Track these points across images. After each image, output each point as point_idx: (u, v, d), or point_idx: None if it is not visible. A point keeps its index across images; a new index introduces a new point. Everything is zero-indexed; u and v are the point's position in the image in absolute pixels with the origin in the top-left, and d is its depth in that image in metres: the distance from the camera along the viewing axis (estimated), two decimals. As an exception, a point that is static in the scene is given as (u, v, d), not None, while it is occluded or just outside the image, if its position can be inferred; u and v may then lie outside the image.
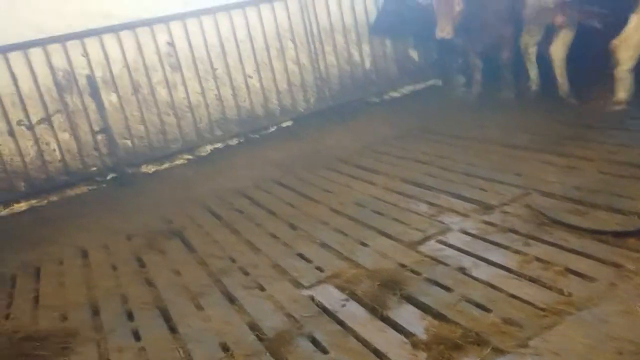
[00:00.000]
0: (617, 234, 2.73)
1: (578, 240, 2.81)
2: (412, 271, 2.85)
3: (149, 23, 5.51)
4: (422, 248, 3.09)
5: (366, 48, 6.68)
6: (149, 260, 3.71)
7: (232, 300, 2.97)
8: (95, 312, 3.16)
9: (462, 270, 2.78)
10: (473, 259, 2.86)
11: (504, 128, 4.91)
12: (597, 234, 2.80)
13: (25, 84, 5.16)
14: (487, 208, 3.43)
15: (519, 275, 2.64)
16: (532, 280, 2.58)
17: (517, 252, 2.84)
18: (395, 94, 6.90)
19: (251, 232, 3.81)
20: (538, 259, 2.72)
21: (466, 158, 4.39)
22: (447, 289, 2.64)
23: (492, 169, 4.04)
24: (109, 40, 5.39)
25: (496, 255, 2.84)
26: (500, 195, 3.57)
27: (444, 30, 5.19)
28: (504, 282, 2.61)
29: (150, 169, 5.76)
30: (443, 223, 3.35)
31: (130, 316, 3.03)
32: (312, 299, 2.81)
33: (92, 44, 5.33)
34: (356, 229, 3.51)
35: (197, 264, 3.51)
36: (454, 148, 4.70)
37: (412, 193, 3.94)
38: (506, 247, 2.91)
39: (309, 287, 2.93)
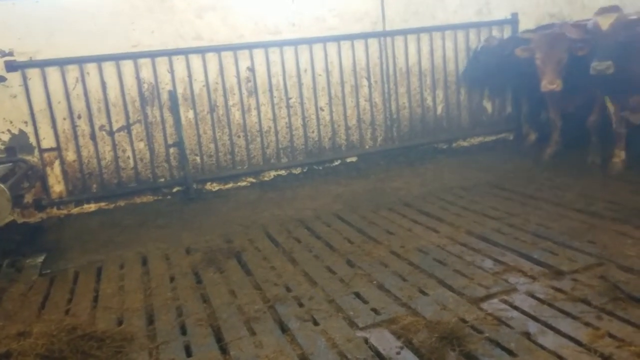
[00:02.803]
0: None
1: (657, 322, 2.63)
2: (474, 328, 2.74)
3: (233, 48, 5.74)
4: (485, 305, 2.97)
5: (440, 94, 6.67)
6: (206, 277, 3.76)
7: (284, 329, 2.95)
8: (151, 320, 3.22)
9: (527, 335, 2.65)
10: (539, 325, 2.72)
11: (580, 193, 4.73)
12: (679, 318, 2.61)
13: (113, 93, 5.46)
14: (557, 273, 3.27)
15: (589, 349, 2.48)
16: (604, 357, 2.42)
17: (587, 324, 2.68)
18: (464, 144, 6.83)
19: (308, 264, 3.80)
20: (611, 335, 2.56)
21: (537, 219, 4.23)
22: (511, 352, 2.52)
23: (565, 233, 3.87)
24: (195, 60, 5.65)
25: (565, 325, 2.69)
26: (572, 261, 3.40)
27: (554, 83, 5.10)
28: (572, 354, 2.46)
29: (215, 187, 5.91)
30: (508, 282, 3.22)
31: (183, 330, 3.06)
32: (366, 341, 2.74)
33: (178, 62, 5.59)
34: (417, 276, 3.43)
35: (252, 287, 3.52)
36: (525, 207, 4.56)
37: (478, 247, 3.82)
38: (576, 318, 2.75)
39: (364, 329, 2.87)
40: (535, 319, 2.78)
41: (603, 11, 4.70)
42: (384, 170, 6.15)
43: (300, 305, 3.21)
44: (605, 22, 4.61)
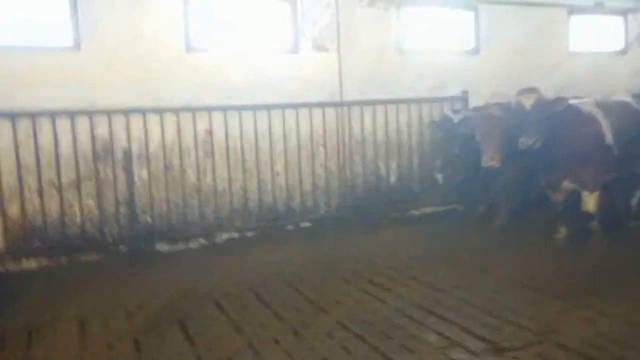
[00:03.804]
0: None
1: (591, 404, 2.68)
2: (414, 408, 2.72)
3: (192, 109, 5.80)
4: (427, 382, 2.96)
5: (393, 163, 6.87)
6: (145, 344, 3.61)
7: (222, 405, 2.85)
8: (81, 393, 3.05)
9: (465, 416, 2.64)
10: (479, 405, 2.72)
11: (525, 267, 4.86)
12: (611, 401, 2.67)
13: (65, 148, 5.37)
14: (498, 350, 3.31)
15: None
16: None
17: (525, 405, 2.70)
18: (416, 213, 6.99)
19: (254, 333, 3.72)
20: (547, 418, 2.58)
21: (484, 292, 4.31)
22: None
23: (508, 308, 3.94)
24: (152, 118, 5.67)
25: (504, 406, 2.71)
26: (512, 338, 3.46)
27: (494, 159, 5.34)
28: None
29: (164, 247, 5.79)
30: (451, 358, 3.23)
31: (115, 405, 2.90)
32: (306, 419, 2.67)
33: (135, 120, 5.60)
34: (361, 349, 3.40)
35: (194, 357, 3.40)
36: (472, 280, 4.64)
37: (423, 320, 3.84)
38: (515, 397, 2.78)
39: (304, 406, 2.80)
40: (475, 397, 2.79)
41: (524, 92, 5.05)
42: (337, 236, 6.18)
43: (241, 378, 3.11)
44: (527, 102, 4.94)
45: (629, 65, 8.60)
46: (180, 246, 5.86)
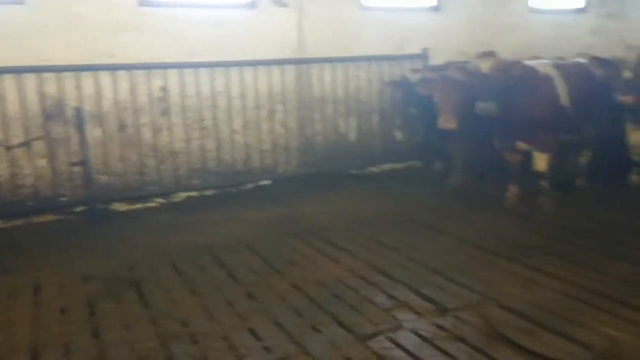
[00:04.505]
0: (559, 363, 2.80)
1: (522, 362, 2.87)
2: (358, 368, 2.87)
3: (147, 67, 5.64)
4: (372, 343, 3.11)
5: (353, 122, 6.89)
6: (100, 309, 3.65)
7: (175, 369, 2.94)
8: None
9: (406, 375, 2.81)
10: (418, 364, 2.89)
11: (476, 226, 5.03)
12: (540, 358, 2.87)
13: (13, 107, 5.19)
14: (442, 310, 3.49)
15: (460, 389, 2.68)
16: (472, 397, 2.62)
17: (461, 364, 2.88)
18: (375, 170, 7.09)
19: (209, 296, 3.80)
20: (480, 376, 2.77)
21: (434, 252, 4.47)
22: (389, 393, 2.66)
23: (457, 268, 4.11)
24: (104, 77, 5.49)
25: (441, 364, 2.88)
26: (457, 298, 3.64)
27: (450, 121, 5.39)
28: (444, 394, 2.64)
29: (122, 207, 5.76)
30: (396, 319, 3.38)
31: (68, 371, 2.96)
32: (255, 381, 2.79)
33: (86, 78, 5.42)
34: (313, 311, 3.53)
35: (148, 322, 3.46)
36: (424, 239, 4.79)
37: (375, 280, 3.99)
38: (452, 357, 2.95)
39: (254, 369, 2.92)
40: (415, 357, 2.95)
41: (481, 55, 5.07)
42: (297, 195, 6.25)
43: (195, 342, 3.20)
44: (485, 66, 4.98)
45: (588, 24, 8.70)
46: (138, 206, 5.83)
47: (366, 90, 6.87)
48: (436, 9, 7.30)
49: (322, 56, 6.49)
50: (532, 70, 5.37)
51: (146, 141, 5.80)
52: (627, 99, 5.00)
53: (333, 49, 6.54)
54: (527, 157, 5.54)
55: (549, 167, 5.50)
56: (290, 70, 6.39)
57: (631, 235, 4.68)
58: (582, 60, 6.06)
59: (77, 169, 5.50)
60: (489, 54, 5.08)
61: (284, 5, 6.25)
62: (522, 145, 5.45)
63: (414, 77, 6.25)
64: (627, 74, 5.03)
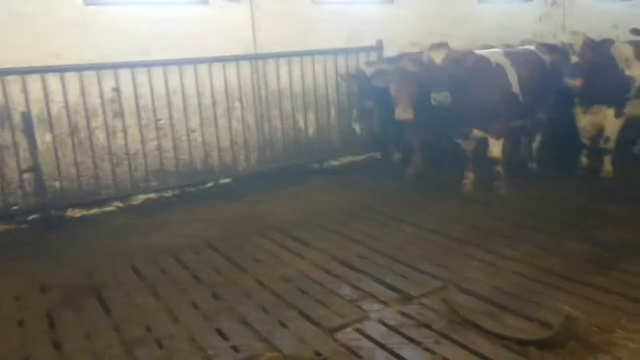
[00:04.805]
0: (519, 342, 2.90)
1: (485, 343, 2.95)
2: (327, 361, 2.89)
3: (96, 67, 5.47)
4: (340, 336, 3.14)
5: (311, 116, 6.90)
6: (60, 319, 3.54)
7: (141, 376, 2.89)
8: (-9, 375, 2.98)
9: (374, 365, 2.85)
10: (386, 353, 2.93)
11: (436, 214, 5.13)
12: (503, 340, 2.96)
13: (-46, 114, 4.96)
14: (406, 298, 3.54)
15: (427, 374, 2.73)
16: (439, 382, 2.68)
17: (427, 349, 2.94)
18: (335, 163, 7.12)
19: (173, 298, 3.74)
20: (446, 360, 2.83)
21: (396, 242, 4.53)
22: (358, 384, 2.69)
23: (419, 256, 4.19)
24: (53, 79, 5.30)
25: (408, 352, 2.93)
26: (420, 285, 3.70)
27: (406, 112, 5.45)
28: (413, 381, 2.69)
29: (77, 213, 5.59)
30: (363, 310, 3.42)
31: (29, 384, 2.87)
32: (225, 381, 2.77)
33: (33, 81, 5.22)
34: (279, 307, 3.52)
35: (111, 329, 3.38)
36: (386, 229, 4.85)
37: (339, 272, 4.01)
38: (418, 343, 3.01)
39: (223, 369, 2.89)
40: (383, 347, 2.99)
41: (434, 47, 5.17)
42: (258, 192, 6.21)
43: (160, 346, 3.15)
44: (438, 57, 5.07)
45: (534, 11, 8.96)
46: (95, 211, 5.67)
47: (323, 84, 6.87)
48: (389, 0, 7.36)
49: (278, 51, 6.45)
50: (485, 60, 5.50)
51: (100, 144, 5.63)
52: (575, 82, 5.18)
53: (288, 44, 6.51)
54: (482, 144, 5.67)
55: (503, 153, 5.66)
56: (246, 66, 6.32)
57: (582, 216, 4.87)
58: (530, 47, 6.25)
59: (27, 176, 5.30)
60: (442, 45, 5.17)
61: (236, 0, 6.17)
62: (477, 132, 5.58)
63: (369, 70, 6.30)
64: (574, 59, 5.21)
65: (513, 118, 5.69)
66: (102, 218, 5.61)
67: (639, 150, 6.54)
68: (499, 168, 5.66)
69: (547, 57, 5.82)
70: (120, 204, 5.79)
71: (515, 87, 5.57)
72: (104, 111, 5.59)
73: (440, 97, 4.97)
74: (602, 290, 3.50)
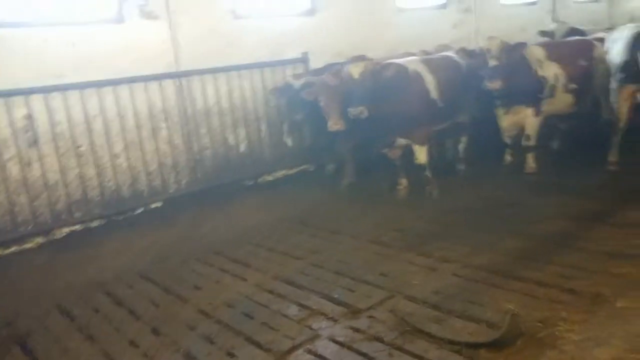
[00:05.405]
0: (469, 345, 2.92)
1: (437, 350, 2.96)
2: (280, 389, 2.78)
3: (5, 94, 5.06)
4: (292, 359, 3.04)
5: (242, 132, 6.75)
6: (-20, 376, 3.21)
7: None
8: None
9: (330, 386, 2.77)
10: (340, 373, 2.87)
11: (373, 223, 5.16)
12: (453, 344, 2.97)
13: None
14: (355, 312, 3.50)
15: (384, 390, 2.69)
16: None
17: (382, 364, 2.91)
18: (269, 178, 6.99)
19: (108, 339, 3.49)
20: (401, 373, 2.80)
21: (337, 255, 4.50)
22: (315, 409, 2.60)
23: (361, 267, 4.17)
24: (-46, 110, 4.85)
25: (362, 368, 2.88)
26: (367, 297, 3.68)
27: (338, 123, 5.41)
28: (370, 399, 2.63)
29: (-8, 253, 5.11)
30: (312, 329, 3.35)
31: None
32: None
33: None
34: (225, 336, 3.37)
35: (40, 381, 3.10)
36: (326, 242, 4.81)
37: (284, 292, 3.92)
38: (371, 358, 2.96)
39: (169, 410, 2.71)
40: (336, 366, 2.93)
41: (354, 60, 5.22)
42: (192, 214, 5.96)
43: (98, 394, 2.91)
44: (356, 71, 5.12)
45: (449, 19, 9.32)
46: (13, 249, 5.21)
47: (251, 99, 6.74)
48: (311, 12, 7.37)
49: (201, 67, 6.26)
50: (403, 69, 5.59)
51: (14, 177, 5.19)
52: (494, 84, 5.39)
53: (211, 60, 6.34)
54: (410, 150, 5.77)
55: (429, 157, 5.77)
56: (170, 85, 6.08)
57: (512, 211, 5.06)
58: (449, 53, 6.46)
59: None
60: (360, 58, 5.21)
61: (154, 17, 5.94)
62: (401, 140, 5.66)
63: (296, 83, 6.27)
64: (492, 62, 5.42)
65: (434, 124, 5.81)
66: (22, 256, 5.15)
67: (557, 146, 6.90)
68: (427, 173, 5.76)
69: (463, 62, 6.04)
70: (41, 240, 5.34)
71: (434, 94, 5.69)
72: (16, 141, 5.17)
73: (356, 111, 5.01)
74: (539, 284, 3.62)
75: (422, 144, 5.67)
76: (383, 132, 5.56)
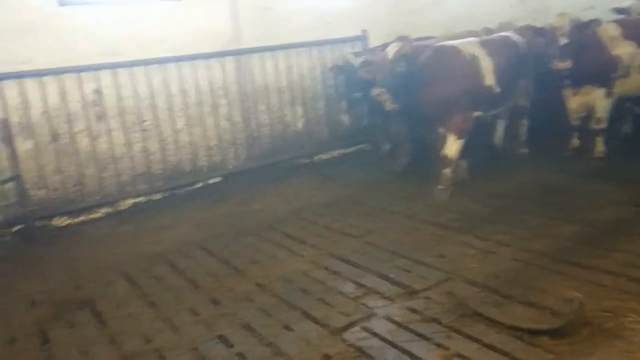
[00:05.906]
0: (532, 332, 2.83)
1: (496, 335, 2.88)
2: (337, 363, 2.80)
3: (76, 70, 5.28)
4: (347, 335, 3.05)
5: (299, 110, 6.77)
6: (53, 335, 3.40)
7: (144, 390, 2.77)
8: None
9: (385, 364, 2.76)
10: (397, 351, 2.85)
11: (429, 204, 5.06)
12: (513, 330, 2.89)
13: None
14: (412, 292, 3.46)
15: (440, 372, 2.66)
16: (454, 378, 2.60)
17: (439, 345, 2.86)
18: (325, 157, 7.01)
19: (170, 307, 3.61)
20: (459, 355, 2.76)
21: (393, 234, 4.45)
22: (371, 385, 2.60)
23: (418, 248, 4.11)
24: (30, 85, 5.10)
25: (419, 349, 2.85)
26: (423, 278, 3.62)
27: (395, 103, 5.21)
28: (426, 379, 2.61)
29: (63, 222, 5.41)
30: (368, 307, 3.34)
31: (25, 406, 2.73)
32: (232, 391, 2.67)
33: (9, 86, 5.01)
34: (281, 310, 3.42)
35: (108, 342, 3.26)
36: (381, 222, 4.77)
37: (339, 269, 3.92)
38: (428, 339, 2.93)
39: (229, 378, 2.79)
40: (393, 345, 2.91)
41: (396, 40, 5.02)
42: (248, 190, 6.08)
43: (162, 358, 3.03)
44: (391, 52, 4.91)
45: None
46: (82, 218, 5.50)
47: (309, 77, 6.75)
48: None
49: (260, 45, 6.30)
50: (455, 52, 5.25)
51: (83, 149, 5.45)
52: (565, 64, 5.12)
53: (270, 38, 6.36)
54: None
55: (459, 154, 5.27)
56: (230, 62, 6.17)
57: (574, 198, 4.83)
58: (506, 33, 6.09)
59: (9, 185, 5.10)
60: (401, 39, 5.03)
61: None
62: (443, 131, 5.25)
63: (355, 61, 6.19)
64: (562, 40, 5.15)
65: (485, 109, 5.48)
66: (89, 226, 5.45)
67: (627, 130, 6.50)
68: (446, 171, 5.21)
69: (524, 41, 5.72)
70: (107, 210, 5.64)
71: (490, 79, 5.27)
72: (86, 115, 5.41)
73: (376, 92, 4.87)
74: (604, 272, 3.45)
75: (458, 136, 5.17)
76: (423, 121, 5.37)
